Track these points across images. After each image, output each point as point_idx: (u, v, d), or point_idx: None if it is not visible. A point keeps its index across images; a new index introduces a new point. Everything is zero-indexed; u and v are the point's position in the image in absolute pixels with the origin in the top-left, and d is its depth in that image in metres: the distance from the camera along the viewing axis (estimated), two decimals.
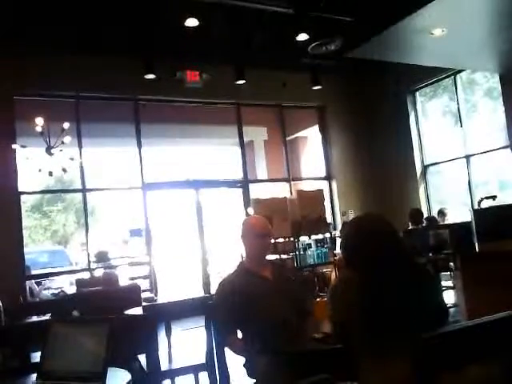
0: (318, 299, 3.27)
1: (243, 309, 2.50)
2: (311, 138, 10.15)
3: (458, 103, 8.53)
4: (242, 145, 8.85)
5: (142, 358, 3.26)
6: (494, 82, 7.93)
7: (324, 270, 6.66)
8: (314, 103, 9.52)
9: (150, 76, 7.34)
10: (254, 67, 7.97)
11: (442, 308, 1.84)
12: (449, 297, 6.04)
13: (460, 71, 8.24)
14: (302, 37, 6.10)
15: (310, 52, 6.44)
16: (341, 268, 2.08)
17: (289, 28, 6.18)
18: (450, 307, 5.80)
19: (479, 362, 1.53)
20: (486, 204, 5.48)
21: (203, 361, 3.09)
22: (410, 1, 5.18)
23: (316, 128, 9.81)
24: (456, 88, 8.53)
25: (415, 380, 1.43)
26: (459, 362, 1.53)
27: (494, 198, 5.52)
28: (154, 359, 3.03)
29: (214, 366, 2.80)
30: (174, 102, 8.35)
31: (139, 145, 7.93)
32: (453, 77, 8.47)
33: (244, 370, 2.58)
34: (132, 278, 7.40)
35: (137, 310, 3.98)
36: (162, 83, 7.52)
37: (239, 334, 2.60)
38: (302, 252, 6.42)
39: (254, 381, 2.51)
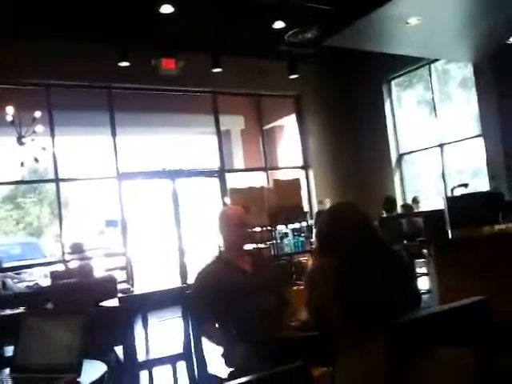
0: (295, 287, 3.30)
1: (222, 299, 2.50)
2: (288, 127, 10.15)
3: (432, 93, 8.64)
4: (218, 134, 8.80)
5: (119, 350, 3.23)
6: (468, 72, 8.05)
7: (301, 259, 6.70)
8: (291, 92, 9.51)
9: (124, 63, 7.20)
10: (231, 55, 7.90)
11: (415, 294, 1.87)
12: (423, 283, 6.16)
13: (435, 61, 8.34)
14: (279, 24, 6.08)
15: (287, 40, 6.43)
16: (317, 256, 2.10)
17: (266, 15, 6.14)
18: (424, 293, 5.93)
19: (450, 347, 1.57)
20: (458, 192, 5.60)
21: (181, 351, 3.08)
22: None
23: (293, 117, 9.82)
24: (431, 78, 8.64)
25: (388, 365, 1.45)
26: (431, 346, 1.56)
27: (466, 185, 5.64)
28: (130, 350, 3.00)
29: (192, 355, 2.79)
30: (149, 90, 8.22)
31: (114, 133, 7.80)
32: (428, 66, 8.57)
33: (222, 360, 2.58)
34: (108, 270, 7.32)
35: (113, 302, 3.93)
36: (136, 71, 7.38)
37: (217, 324, 2.60)
38: (279, 241, 6.45)
39: (232, 370, 2.52)
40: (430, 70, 8.61)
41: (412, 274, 2.03)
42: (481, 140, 7.79)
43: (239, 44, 7.43)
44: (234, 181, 8.63)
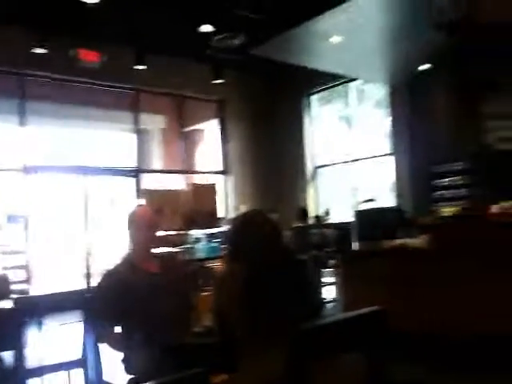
0: (204, 293, 3.26)
1: (125, 303, 2.40)
2: (209, 132, 10.10)
3: (349, 110, 9.04)
4: (137, 132, 8.56)
5: (10, 355, 2.98)
6: (384, 93, 8.51)
7: (214, 265, 6.66)
8: (215, 97, 9.50)
9: (40, 50, 6.77)
10: (156, 53, 7.74)
11: (317, 302, 1.92)
12: (330, 292, 6.37)
13: (354, 80, 8.73)
14: (206, 28, 6.04)
15: (214, 45, 6.41)
16: (226, 262, 2.09)
17: (194, 18, 6.09)
18: (330, 302, 6.14)
19: (349, 353, 1.62)
20: (366, 206, 5.88)
21: (78, 357, 2.91)
22: (312, 6, 5.36)
23: (215, 122, 9.80)
24: (349, 95, 9.04)
25: (290, 371, 1.47)
26: (331, 353, 1.60)
27: (372, 200, 5.94)
28: (20, 356, 2.78)
29: (90, 362, 2.65)
30: (68, 81, 7.80)
31: (23, 123, 7.29)
32: (347, 84, 8.95)
33: (121, 366, 2.48)
34: (5, 268, 6.79)
35: (4, 303, 3.64)
36: (53, 59, 6.97)
37: (118, 329, 2.49)
38: (192, 245, 6.37)
39: (132, 376, 2.42)
40: (348, 88, 9.00)
41: (315, 283, 2.08)
42: (392, 158, 8.27)
43: (165, 43, 7.28)
44: (150, 182, 8.41)
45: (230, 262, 1.98)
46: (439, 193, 7.23)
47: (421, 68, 7.25)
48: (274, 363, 1.67)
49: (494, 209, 4.58)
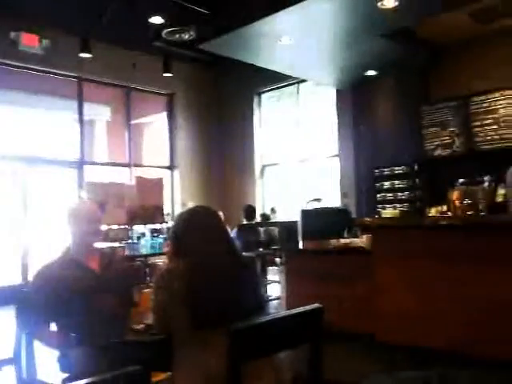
0: (146, 290, 3.19)
1: (62, 299, 2.32)
2: (157, 125, 9.93)
3: (299, 110, 9.16)
4: (81, 122, 8.27)
5: None
6: (332, 95, 8.68)
7: (157, 261, 6.55)
8: (164, 90, 9.36)
9: None
10: (103, 42, 7.51)
11: (260, 300, 1.93)
12: (275, 290, 6.45)
13: (304, 81, 8.85)
14: (157, 20, 5.92)
15: (164, 37, 6.31)
16: (168, 258, 2.06)
17: (144, 8, 5.95)
18: (275, 299, 6.22)
19: (287, 350, 1.64)
20: (312, 205, 5.99)
21: (10, 355, 2.77)
22: (264, 5, 5.39)
23: (163, 115, 9.65)
24: (299, 96, 9.16)
25: (229, 369, 1.47)
26: (270, 350, 1.62)
27: (319, 200, 6.06)
28: None
29: (22, 360, 2.54)
30: (7, 65, 7.41)
31: None
32: (297, 85, 9.06)
33: (56, 365, 2.39)
34: None
35: None
36: None
37: (54, 326, 2.41)
38: (135, 241, 6.23)
39: (67, 375, 2.35)
40: (298, 89, 9.12)
41: (258, 280, 2.09)
42: (338, 160, 8.47)
43: (113, 32, 7.08)
44: (94, 174, 8.16)
45: (172, 258, 1.96)
46: (382, 195, 7.49)
47: (367, 74, 7.47)
48: (214, 360, 1.67)
49: (431, 211, 4.81)
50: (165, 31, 5.97)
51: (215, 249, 1.85)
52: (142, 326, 2.16)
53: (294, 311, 1.62)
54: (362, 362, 3.60)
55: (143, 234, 6.34)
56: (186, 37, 5.94)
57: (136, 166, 8.99)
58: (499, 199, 3.87)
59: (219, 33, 5.77)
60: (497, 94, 6.37)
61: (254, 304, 1.85)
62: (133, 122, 9.13)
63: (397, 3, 5.19)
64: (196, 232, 1.88)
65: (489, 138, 6.42)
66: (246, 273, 1.90)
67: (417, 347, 3.56)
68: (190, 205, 9.03)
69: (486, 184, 3.99)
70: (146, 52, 8.19)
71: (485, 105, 6.49)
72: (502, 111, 6.32)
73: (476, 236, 3.56)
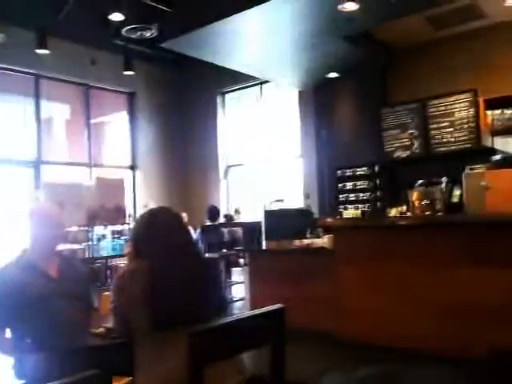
0: (107, 293, 3.12)
1: (17, 305, 2.24)
2: (118, 124, 9.73)
3: (262, 111, 9.18)
4: (38, 121, 8.01)
5: None
6: (295, 96, 8.74)
7: (119, 263, 6.44)
8: (125, 89, 9.19)
9: None
10: (62, 38, 7.29)
11: (221, 301, 1.92)
12: (239, 291, 6.44)
13: (268, 81, 8.87)
14: (117, 17, 5.80)
15: (125, 35, 6.19)
16: (129, 260, 2.03)
17: (104, 4, 5.82)
18: (239, 300, 6.21)
19: (250, 350, 1.64)
20: (275, 206, 6.02)
21: None
22: (226, 5, 5.37)
23: (124, 114, 9.47)
24: (262, 96, 9.18)
25: (189, 372, 1.45)
26: (232, 351, 1.61)
27: (282, 201, 6.10)
28: None
29: None
30: None
31: None
32: (261, 85, 9.07)
33: (12, 372, 2.31)
34: None
35: None
36: None
37: (8, 331, 2.32)
38: (95, 243, 6.10)
39: (23, 381, 2.27)
40: (262, 89, 9.14)
41: (220, 281, 2.09)
42: (301, 161, 8.55)
43: (71, 28, 6.89)
44: (52, 174, 7.92)
45: (132, 260, 1.92)
46: (344, 195, 7.60)
47: (329, 76, 7.58)
48: (175, 363, 1.65)
49: (392, 211, 4.92)
50: (125, 28, 5.86)
51: (176, 250, 1.84)
52: (101, 329, 2.11)
53: (255, 312, 1.62)
54: (324, 361, 3.64)
55: (104, 236, 6.21)
56: (148, 35, 5.85)
57: (96, 165, 8.78)
58: (455, 200, 4.01)
59: (181, 31, 5.71)
60: (452, 98, 6.58)
61: (217, 305, 1.84)
62: (93, 120, 8.91)
63: (357, 6, 5.29)
64: (157, 233, 1.86)
65: (445, 140, 6.63)
66: (207, 274, 1.89)
67: (378, 346, 3.63)
68: (152, 206, 8.95)
69: (443, 185, 4.11)
70: (106, 49, 8.02)
71: (441, 108, 6.69)
72: (457, 115, 6.53)
73: (434, 235, 3.67)
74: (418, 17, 6.20)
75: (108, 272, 5.99)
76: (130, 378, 1.90)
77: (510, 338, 3.21)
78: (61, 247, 3.36)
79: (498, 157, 3.85)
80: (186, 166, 9.70)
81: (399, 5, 4.83)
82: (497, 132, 6.49)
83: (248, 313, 1.66)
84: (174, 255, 1.82)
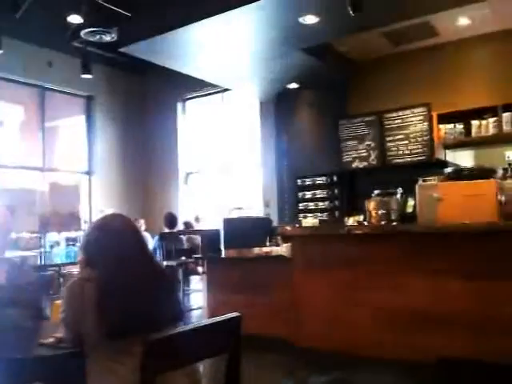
0: (59, 301, 3.02)
1: None
2: (75, 129, 9.48)
3: (224, 119, 9.17)
4: None
5: None
6: (257, 104, 8.76)
7: (72, 270, 6.25)
8: (83, 92, 8.99)
9: None
10: (17, 38, 7.07)
11: (177, 310, 1.90)
12: (197, 299, 6.37)
13: (229, 89, 8.86)
14: (75, 19, 5.68)
15: (84, 38, 6.06)
16: (80, 268, 1.97)
17: (62, 5, 5.69)
18: (197, 309, 6.15)
19: (204, 359, 1.62)
20: (235, 214, 6.02)
21: None
22: (186, 13, 5.36)
23: (82, 118, 9.25)
24: (224, 104, 9.17)
25: (142, 382, 1.42)
26: (187, 360, 1.59)
27: (241, 209, 6.10)
28: None
29: None
30: None
31: None
32: (223, 93, 9.06)
33: None
34: None
35: None
36: None
37: None
38: (48, 249, 5.90)
39: None
40: (223, 97, 9.14)
41: (176, 290, 2.06)
42: (261, 169, 8.58)
43: (28, 28, 6.68)
44: (4, 178, 7.62)
45: (83, 269, 1.87)
46: (304, 204, 7.68)
47: (289, 86, 7.67)
48: (128, 373, 1.61)
49: (349, 220, 5.01)
50: (84, 31, 5.73)
51: (129, 258, 1.80)
52: (52, 339, 2.03)
53: (210, 321, 1.61)
54: (280, 369, 3.64)
55: (57, 243, 6.02)
56: (108, 38, 5.74)
57: (50, 170, 8.51)
58: (409, 210, 4.12)
59: (140, 37, 5.64)
60: (408, 112, 6.80)
61: (172, 314, 1.81)
62: (48, 123, 8.65)
63: (318, 19, 5.40)
64: (110, 240, 1.82)
65: (400, 152, 6.83)
66: (162, 283, 1.85)
67: (334, 353, 3.67)
68: (109, 212, 8.76)
69: (399, 195, 4.22)
70: (63, 51, 7.83)
71: (397, 121, 6.89)
72: (412, 128, 6.75)
73: (386, 244, 3.76)
74: (377, 32, 6.38)
75: (61, 280, 5.80)
76: None
77: (456, 347, 3.32)
78: (11, 254, 3.23)
79: (449, 169, 3.99)
80: (146, 172, 9.55)
81: (358, 19, 4.95)
82: (449, 145, 6.76)
83: (204, 321, 1.64)
84: (126, 264, 1.78)
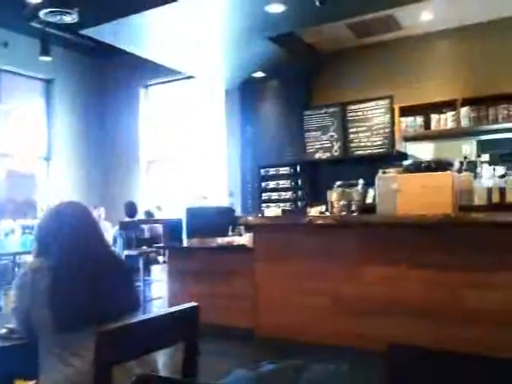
0: (12, 291, 2.93)
1: None
2: (32, 113, 9.15)
3: (188, 106, 9.05)
4: None
5: None
6: (221, 92, 8.66)
7: (28, 260, 6.06)
8: (41, 75, 8.67)
9: None
10: None
11: (134, 300, 1.87)
12: (158, 289, 6.30)
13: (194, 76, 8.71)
14: None
15: (43, 18, 5.82)
16: (34, 256, 1.91)
17: None
18: (158, 298, 6.09)
19: (162, 349, 1.61)
20: (197, 203, 5.97)
21: None
22: None
23: (40, 102, 8.93)
24: (188, 91, 9.03)
25: (97, 373, 1.39)
26: (143, 351, 1.57)
27: (205, 198, 6.06)
28: None
29: None
30: None
31: None
32: (187, 80, 8.89)
33: None
34: None
35: None
36: None
37: None
38: (3, 238, 5.70)
39: None
40: (187, 84, 8.97)
41: (132, 280, 2.03)
42: (225, 158, 8.53)
43: None
44: None
45: (36, 257, 1.81)
46: (267, 194, 7.70)
47: (255, 75, 7.64)
48: (81, 365, 1.58)
49: (312, 211, 5.05)
50: (43, 11, 5.51)
51: (83, 247, 1.76)
52: (4, 330, 1.97)
53: (167, 310, 1.59)
54: (238, 358, 3.66)
55: (12, 231, 5.83)
56: (68, 19, 5.53)
57: (6, 156, 8.20)
58: (369, 200, 4.19)
59: (101, 19, 5.48)
60: (370, 104, 6.90)
61: (129, 304, 1.78)
62: (3, 107, 8.31)
63: (283, 8, 5.38)
64: (63, 229, 1.76)
65: (362, 144, 6.94)
66: (117, 272, 1.82)
67: (294, 342, 3.72)
68: (66, 199, 8.54)
69: (360, 186, 4.29)
70: (21, 32, 7.52)
71: (360, 113, 6.99)
72: (374, 120, 6.86)
73: (345, 234, 3.82)
74: (342, 23, 6.43)
75: (16, 269, 5.63)
76: (34, 381, 1.80)
77: (415, 335, 3.42)
78: None
79: (408, 162, 4.08)
80: (107, 160, 9.34)
81: (323, 10, 4.96)
82: (409, 138, 6.91)
83: (160, 311, 1.62)
84: (80, 253, 1.74)
